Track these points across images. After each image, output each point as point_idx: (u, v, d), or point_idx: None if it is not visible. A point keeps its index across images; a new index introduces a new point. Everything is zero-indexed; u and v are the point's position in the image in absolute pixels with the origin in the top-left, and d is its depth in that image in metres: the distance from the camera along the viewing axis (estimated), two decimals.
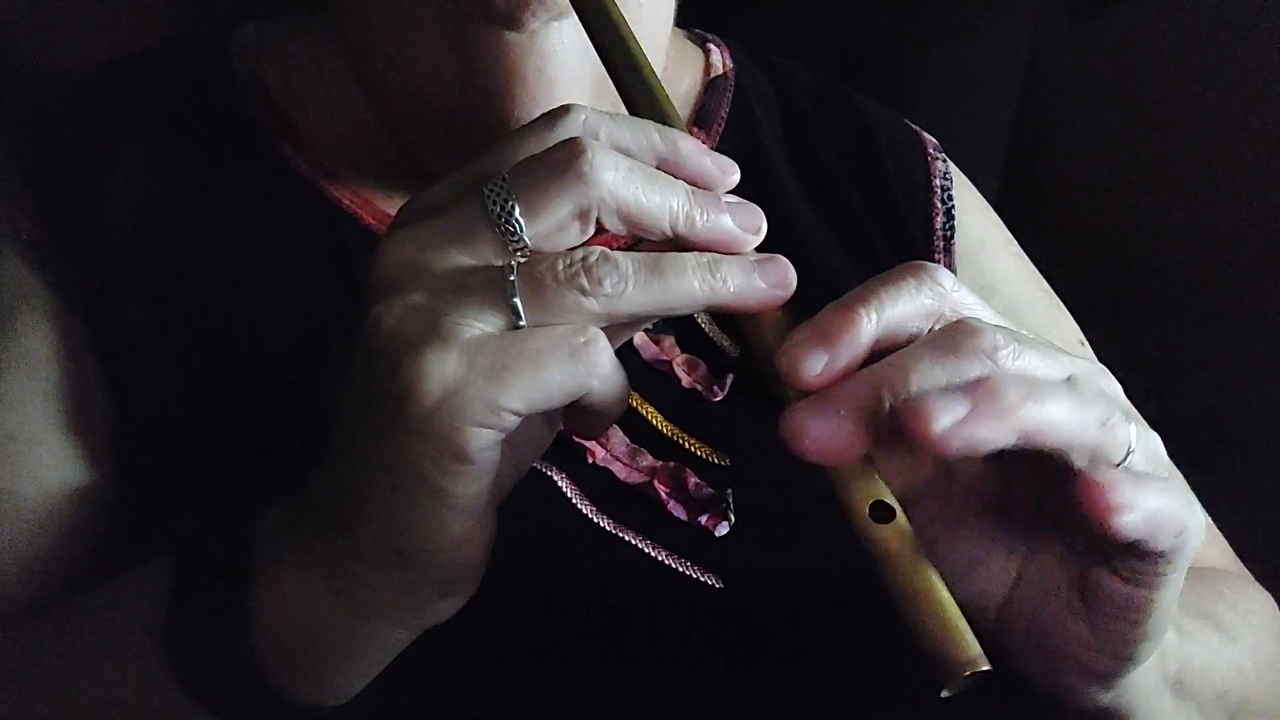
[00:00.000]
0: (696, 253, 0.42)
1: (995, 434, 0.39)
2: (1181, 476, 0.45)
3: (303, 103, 0.67)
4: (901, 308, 0.42)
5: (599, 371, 0.40)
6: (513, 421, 0.40)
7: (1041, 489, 0.45)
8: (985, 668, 0.39)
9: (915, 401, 0.39)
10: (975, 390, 0.39)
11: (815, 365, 0.41)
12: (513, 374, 0.39)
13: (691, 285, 0.41)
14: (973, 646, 0.39)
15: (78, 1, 0.87)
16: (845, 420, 0.40)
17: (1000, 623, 0.47)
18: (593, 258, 0.41)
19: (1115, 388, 0.44)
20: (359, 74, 0.66)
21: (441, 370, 0.39)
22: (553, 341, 0.40)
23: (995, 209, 0.78)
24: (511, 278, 0.40)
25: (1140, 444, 0.42)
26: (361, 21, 0.64)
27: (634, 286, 0.41)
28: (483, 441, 0.40)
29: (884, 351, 0.42)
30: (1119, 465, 0.42)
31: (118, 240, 0.62)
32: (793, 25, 1.00)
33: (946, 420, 0.39)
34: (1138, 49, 1.04)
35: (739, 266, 0.43)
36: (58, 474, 0.60)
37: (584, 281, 0.40)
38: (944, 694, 0.40)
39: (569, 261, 0.40)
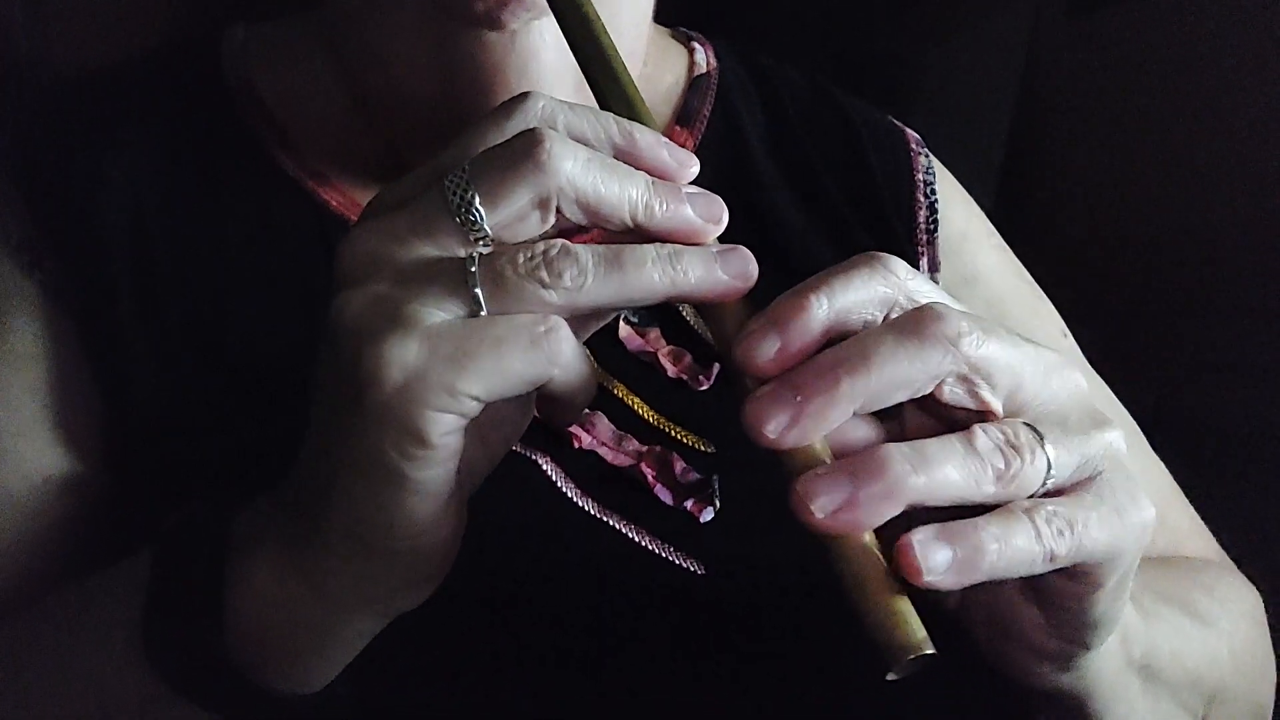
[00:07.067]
0: (658, 244, 0.43)
1: (880, 511, 0.40)
2: (1131, 474, 0.45)
3: (292, 106, 0.68)
4: (854, 294, 0.42)
5: (559, 360, 0.41)
6: (473, 407, 0.40)
7: None
8: (929, 651, 0.39)
9: (803, 483, 0.40)
10: (859, 467, 0.40)
11: (768, 351, 0.42)
12: (473, 360, 0.40)
13: (651, 278, 0.42)
14: (917, 631, 0.39)
15: (77, 1, 0.88)
16: (804, 405, 0.41)
17: (962, 607, 0.48)
18: (553, 251, 0.41)
19: (1076, 381, 0.45)
20: (346, 76, 0.67)
21: (402, 356, 0.39)
22: (514, 330, 0.40)
23: (993, 208, 0.79)
24: (473, 269, 0.41)
25: (1062, 460, 0.43)
26: (348, 23, 0.65)
27: (593, 280, 0.41)
28: (443, 426, 0.40)
29: (839, 339, 0.42)
30: (1037, 494, 0.42)
31: (111, 242, 0.63)
32: (788, 26, 1.00)
33: (828, 504, 0.40)
34: (1135, 47, 1.04)
35: (700, 257, 0.43)
36: (44, 468, 0.60)
37: (544, 275, 0.41)
38: (889, 677, 0.40)
39: (529, 254, 0.41)
